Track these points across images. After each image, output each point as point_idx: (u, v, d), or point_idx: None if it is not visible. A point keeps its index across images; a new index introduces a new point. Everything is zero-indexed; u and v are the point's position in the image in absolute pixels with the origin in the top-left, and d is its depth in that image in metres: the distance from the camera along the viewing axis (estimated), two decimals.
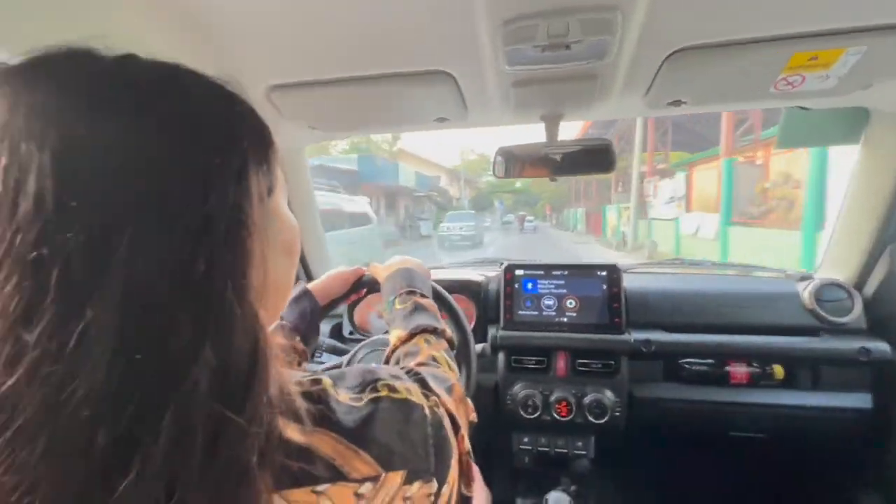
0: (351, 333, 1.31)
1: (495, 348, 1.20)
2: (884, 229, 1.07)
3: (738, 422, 1.12)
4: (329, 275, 1.03)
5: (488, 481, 1.15)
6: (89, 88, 0.28)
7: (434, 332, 0.70)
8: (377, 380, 0.39)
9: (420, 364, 0.62)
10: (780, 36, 0.72)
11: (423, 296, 0.79)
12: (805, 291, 1.14)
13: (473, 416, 0.58)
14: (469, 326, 0.93)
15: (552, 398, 1.13)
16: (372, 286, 1.00)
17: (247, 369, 0.29)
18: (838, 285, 1.12)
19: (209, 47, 0.74)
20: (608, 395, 1.12)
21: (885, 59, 0.76)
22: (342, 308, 1.32)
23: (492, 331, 1.21)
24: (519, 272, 1.25)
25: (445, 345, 0.70)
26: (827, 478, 1.26)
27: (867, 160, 1.07)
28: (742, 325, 1.14)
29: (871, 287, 1.11)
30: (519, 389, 1.16)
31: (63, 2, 0.56)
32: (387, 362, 0.68)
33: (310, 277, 1.44)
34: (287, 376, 0.34)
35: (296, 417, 0.32)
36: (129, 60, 0.32)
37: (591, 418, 1.10)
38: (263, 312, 0.32)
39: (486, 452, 1.30)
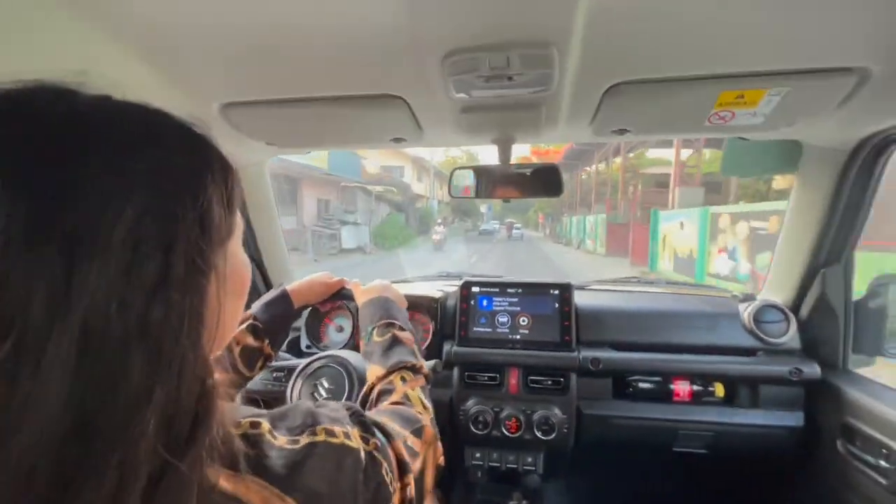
0: (308, 347, 1.30)
1: (450, 364, 1.22)
2: (817, 255, 1.13)
3: (681, 438, 1.16)
4: (312, 278, 1.04)
5: (443, 495, 1.16)
6: (67, 128, 0.29)
7: (412, 368, 0.71)
8: (316, 423, 0.40)
9: (394, 403, 0.63)
10: (708, 76, 0.77)
11: (401, 328, 0.80)
12: (745, 312, 1.19)
13: (441, 460, 0.59)
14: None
15: (502, 414, 1.15)
16: (350, 299, 1.02)
17: (193, 414, 0.30)
18: (776, 307, 1.18)
19: (164, 64, 0.75)
20: (557, 413, 1.14)
21: (806, 100, 0.81)
22: (300, 321, 1.32)
23: (447, 346, 1.23)
24: (475, 289, 1.27)
25: (422, 381, 0.71)
26: (764, 492, 1.31)
27: (801, 190, 1.13)
28: (687, 345, 1.19)
29: (805, 310, 1.17)
30: (472, 405, 1.18)
31: (17, 19, 0.56)
32: (365, 401, 0.69)
33: (269, 289, 1.44)
34: (228, 416, 0.35)
35: (231, 462, 0.33)
36: (105, 102, 0.33)
37: (539, 435, 1.12)
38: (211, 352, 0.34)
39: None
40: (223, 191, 0.36)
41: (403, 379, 0.69)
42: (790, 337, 1.15)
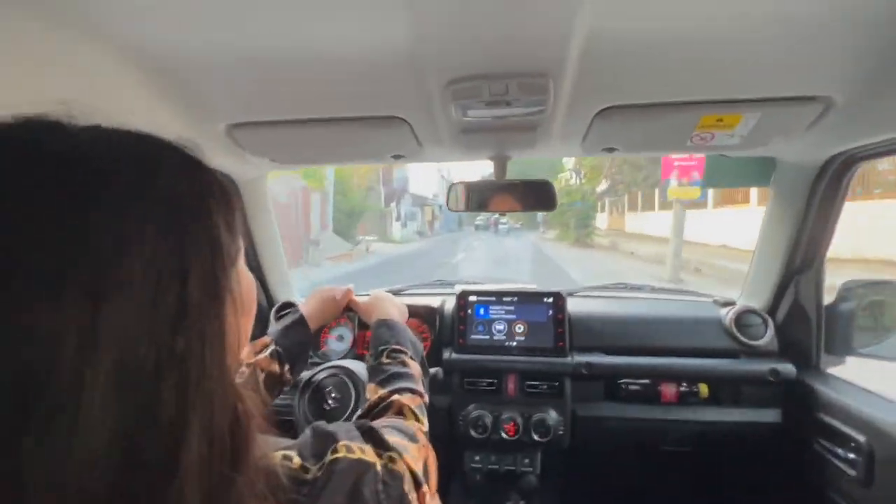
0: (310, 358, 1.33)
1: (449, 370, 1.26)
2: (791, 263, 1.21)
3: (669, 436, 1.23)
4: (321, 298, 1.02)
5: (443, 498, 1.20)
6: (68, 167, 0.29)
7: (413, 392, 0.72)
8: (336, 441, 0.43)
9: (390, 416, 0.65)
10: (689, 101, 0.83)
11: (412, 358, 0.82)
12: (727, 317, 1.26)
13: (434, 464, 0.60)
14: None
15: (501, 418, 1.20)
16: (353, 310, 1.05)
17: (230, 442, 0.31)
18: (754, 312, 1.25)
19: (174, 85, 0.78)
20: (552, 415, 1.20)
21: (778, 124, 0.88)
22: None
23: (446, 354, 1.28)
24: (472, 298, 1.32)
25: (420, 401, 0.72)
26: (746, 486, 1.38)
27: (775, 202, 1.21)
28: (673, 348, 1.25)
29: (781, 314, 1.25)
30: (471, 410, 1.22)
31: (30, 47, 0.59)
32: (364, 415, 0.69)
33: (270, 303, 1.46)
34: (262, 446, 0.35)
35: (272, 492, 0.34)
36: (98, 133, 0.32)
37: (536, 437, 1.17)
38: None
39: (441, 470, 1.36)
40: (226, 214, 0.35)
41: (401, 393, 0.70)
42: (768, 339, 1.23)
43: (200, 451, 0.29)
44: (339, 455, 0.41)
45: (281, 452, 0.40)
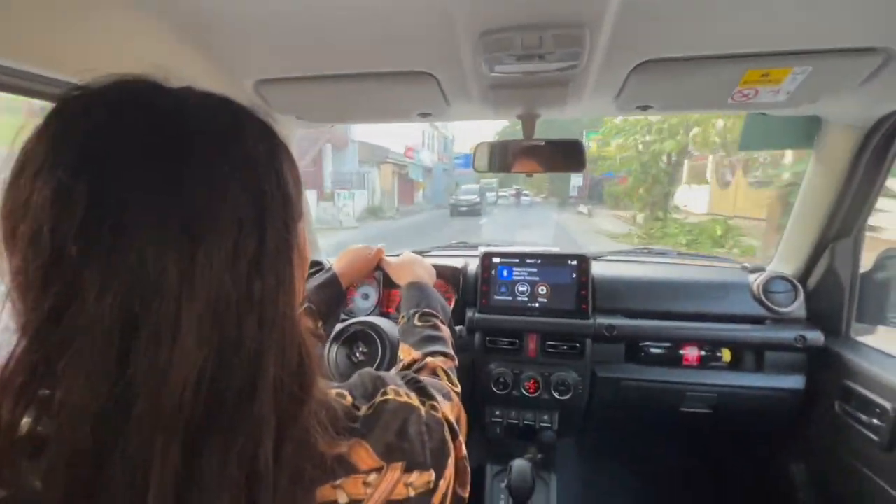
0: None
1: (472, 330, 1.29)
2: (828, 229, 1.17)
3: (688, 399, 1.24)
4: (354, 257, 1.04)
5: None
6: (168, 121, 0.32)
7: (445, 355, 0.74)
8: (385, 385, 0.46)
9: (426, 376, 0.66)
10: (735, 55, 0.79)
11: (442, 322, 0.83)
12: (755, 283, 1.24)
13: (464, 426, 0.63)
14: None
15: (522, 376, 1.23)
16: (381, 269, 1.07)
17: (299, 376, 0.35)
18: (785, 278, 1.23)
19: (202, 43, 0.78)
20: (573, 375, 1.22)
21: (829, 78, 0.83)
22: None
23: (469, 313, 1.30)
24: (496, 260, 1.33)
25: (452, 364, 0.74)
26: (763, 450, 1.40)
27: (817, 165, 1.16)
28: (697, 313, 1.25)
29: (813, 281, 1.22)
30: (493, 367, 1.26)
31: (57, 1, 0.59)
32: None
33: None
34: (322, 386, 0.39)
35: (332, 426, 0.37)
36: (191, 93, 0.35)
37: (556, 395, 1.21)
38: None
39: None
40: (294, 174, 0.39)
41: (434, 356, 0.72)
42: (797, 307, 1.20)
43: (275, 378, 0.33)
44: (388, 397, 0.44)
45: (335, 391, 0.43)
